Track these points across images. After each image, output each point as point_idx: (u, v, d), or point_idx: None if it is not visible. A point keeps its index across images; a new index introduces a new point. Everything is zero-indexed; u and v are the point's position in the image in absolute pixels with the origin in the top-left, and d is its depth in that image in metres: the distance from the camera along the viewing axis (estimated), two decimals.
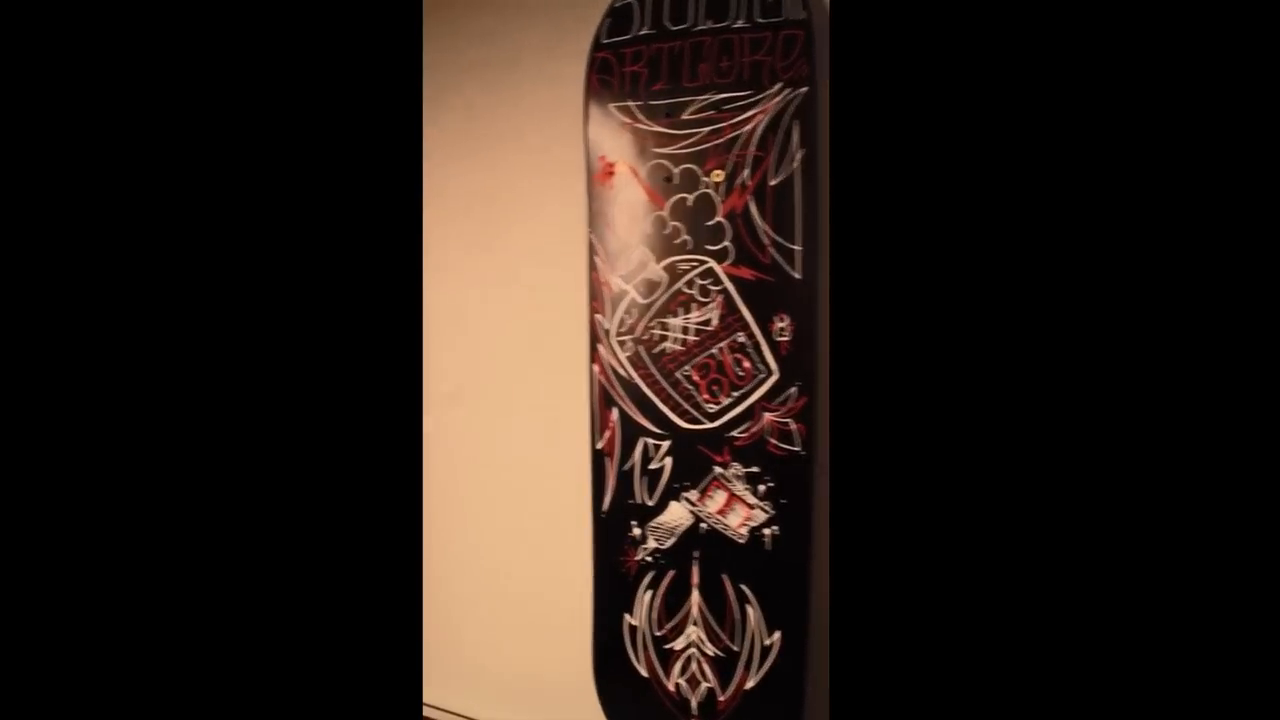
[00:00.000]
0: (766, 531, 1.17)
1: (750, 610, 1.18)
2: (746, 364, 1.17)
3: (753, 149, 1.15)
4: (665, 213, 1.20)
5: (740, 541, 1.18)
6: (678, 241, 1.20)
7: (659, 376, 1.22)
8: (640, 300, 1.23)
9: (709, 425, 1.20)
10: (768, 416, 1.16)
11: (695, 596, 1.22)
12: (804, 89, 1.12)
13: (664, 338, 1.22)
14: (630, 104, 1.22)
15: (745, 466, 1.17)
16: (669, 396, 1.22)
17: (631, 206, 1.23)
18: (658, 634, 1.25)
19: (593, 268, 1.26)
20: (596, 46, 1.25)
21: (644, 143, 1.21)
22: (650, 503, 1.24)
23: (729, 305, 1.17)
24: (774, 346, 1.15)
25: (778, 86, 1.13)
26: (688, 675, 1.23)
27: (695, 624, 1.22)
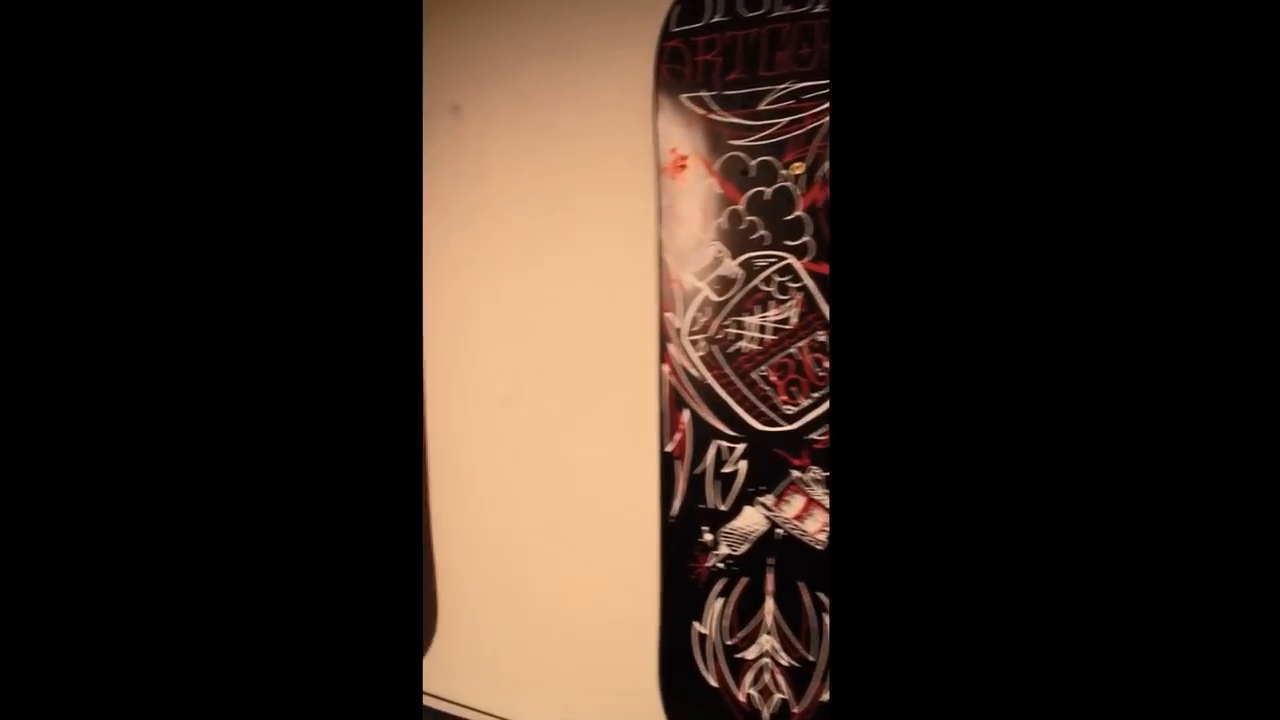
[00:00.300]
0: None
1: (828, 619, 1.14)
2: (828, 364, 1.12)
3: None
4: (741, 207, 1.16)
5: (818, 548, 1.14)
6: (754, 237, 1.15)
7: (734, 377, 1.18)
8: (714, 298, 1.18)
9: (787, 427, 1.15)
10: None
11: (769, 604, 1.18)
12: None
13: (739, 337, 1.17)
14: (703, 94, 1.18)
15: (825, 470, 1.13)
16: (744, 398, 1.18)
17: (705, 201, 1.18)
18: (729, 643, 1.21)
19: (662, 265, 1.22)
20: (666, 35, 1.21)
21: (718, 135, 1.17)
22: (723, 507, 1.20)
23: (809, 303, 1.13)
24: None
25: None
26: (760, 686, 1.19)
27: (769, 633, 1.18)
